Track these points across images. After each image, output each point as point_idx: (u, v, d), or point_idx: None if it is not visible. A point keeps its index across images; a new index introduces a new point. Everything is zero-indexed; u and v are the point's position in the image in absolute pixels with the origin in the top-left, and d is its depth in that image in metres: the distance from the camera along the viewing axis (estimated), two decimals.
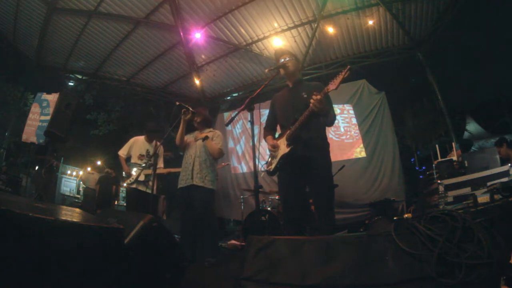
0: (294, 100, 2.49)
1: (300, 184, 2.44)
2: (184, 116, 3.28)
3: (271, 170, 2.53)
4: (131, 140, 4.27)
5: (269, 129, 2.73)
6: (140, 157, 4.10)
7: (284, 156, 2.39)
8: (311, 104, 2.18)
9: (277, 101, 2.73)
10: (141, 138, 4.27)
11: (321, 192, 2.33)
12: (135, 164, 4.07)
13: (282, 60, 2.59)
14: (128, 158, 4.17)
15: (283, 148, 2.41)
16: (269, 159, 2.61)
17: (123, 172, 4.17)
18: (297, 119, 2.32)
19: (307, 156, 2.31)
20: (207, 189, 3.19)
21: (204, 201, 3.15)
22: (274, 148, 2.49)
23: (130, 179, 3.98)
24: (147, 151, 4.15)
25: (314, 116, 2.26)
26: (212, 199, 3.33)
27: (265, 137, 2.70)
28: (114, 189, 8.72)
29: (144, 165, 4.00)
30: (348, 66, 2.15)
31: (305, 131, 2.33)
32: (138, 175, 3.89)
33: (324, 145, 2.43)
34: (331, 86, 2.15)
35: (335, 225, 2.41)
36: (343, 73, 2.10)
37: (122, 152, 4.17)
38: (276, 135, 2.71)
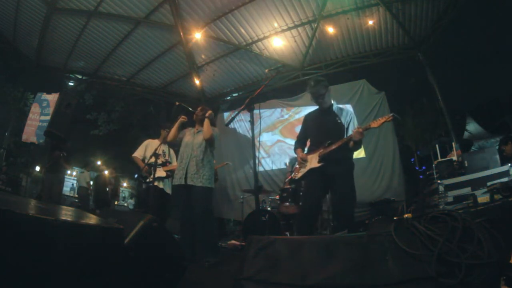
0: (328, 123, 2.82)
1: (323, 194, 2.84)
2: (183, 119, 3.40)
3: (296, 178, 2.89)
4: (145, 142, 4.34)
5: (300, 144, 3.05)
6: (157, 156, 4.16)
7: (312, 170, 2.73)
8: (353, 134, 2.53)
9: (310, 121, 3.05)
10: (155, 140, 4.36)
11: (345, 205, 2.64)
12: (152, 164, 4.10)
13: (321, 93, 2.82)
14: (143, 160, 4.22)
15: (314, 162, 2.74)
16: (296, 168, 2.95)
17: (143, 173, 4.20)
18: (333, 143, 2.65)
19: (335, 173, 2.64)
20: (205, 188, 3.17)
21: (202, 201, 3.13)
22: (303, 161, 2.85)
23: (150, 178, 4.03)
24: (163, 151, 4.20)
25: (348, 141, 2.61)
26: (210, 198, 3.30)
27: (295, 149, 3.07)
28: (111, 189, 8.72)
29: (161, 163, 4.08)
30: (393, 114, 2.51)
31: (338, 153, 2.64)
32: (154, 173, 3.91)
33: (351, 165, 2.77)
34: (373, 124, 2.52)
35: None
36: (387, 117, 2.47)
37: (138, 154, 4.24)
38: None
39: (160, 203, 4.02)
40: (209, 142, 3.31)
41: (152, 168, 4.04)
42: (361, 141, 2.64)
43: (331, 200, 2.84)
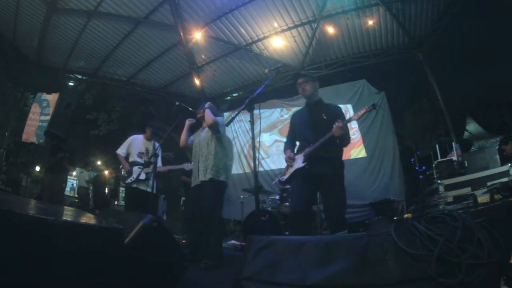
0: (314, 120, 2.67)
1: (311, 195, 2.71)
2: (189, 122, 3.37)
3: (283, 179, 2.79)
4: (129, 139, 4.24)
5: (289, 144, 2.91)
6: (140, 154, 4.09)
7: (297, 170, 2.61)
8: (333, 130, 2.37)
9: (296, 119, 2.91)
10: (140, 137, 4.26)
11: (335, 206, 2.51)
12: (135, 163, 4.05)
13: (300, 82, 2.75)
14: (126, 157, 4.14)
15: (299, 162, 2.62)
16: (285, 170, 2.83)
17: (123, 171, 4.15)
18: (317, 140, 2.51)
19: (323, 174, 2.49)
20: (214, 180, 3.07)
21: (210, 196, 3.03)
22: (290, 159, 2.72)
23: (131, 178, 3.97)
24: (147, 149, 4.15)
25: (333, 138, 2.45)
26: (220, 193, 3.15)
27: (284, 150, 2.90)
28: (110, 189, 8.73)
29: (143, 162, 4.01)
30: (373, 104, 2.42)
31: (323, 151, 2.51)
32: (139, 175, 3.88)
33: (340, 165, 2.63)
34: (354, 117, 2.41)
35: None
36: (367, 108, 2.38)
37: (121, 151, 4.14)
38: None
39: (144, 205, 3.91)
40: (214, 129, 3.20)
41: (133, 167, 3.98)
42: (346, 136, 2.48)
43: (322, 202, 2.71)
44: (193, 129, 3.53)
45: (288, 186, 4.88)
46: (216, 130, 3.22)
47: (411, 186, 7.68)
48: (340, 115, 2.60)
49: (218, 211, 3.11)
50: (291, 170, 2.69)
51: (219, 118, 3.28)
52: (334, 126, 2.35)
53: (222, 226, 3.53)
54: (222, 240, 3.33)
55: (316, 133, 2.56)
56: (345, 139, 2.50)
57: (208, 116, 3.20)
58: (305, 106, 2.84)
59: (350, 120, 2.41)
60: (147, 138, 4.20)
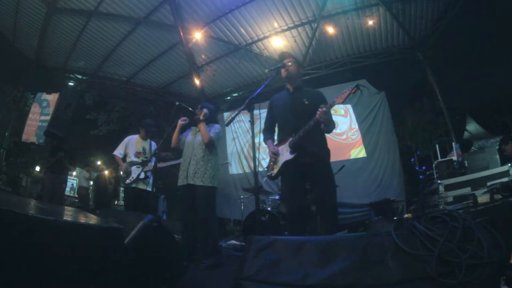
0: (295, 106, 2.55)
1: (303, 188, 2.55)
2: (182, 123, 3.36)
3: (273, 175, 2.63)
4: (125, 139, 4.28)
5: (268, 133, 2.79)
6: (137, 154, 4.14)
7: (286, 163, 2.47)
8: (317, 115, 2.24)
9: (276, 104, 2.76)
10: (136, 136, 4.31)
11: (326, 198, 2.43)
12: (132, 162, 4.09)
13: (287, 61, 2.63)
14: (123, 158, 4.18)
15: (286, 154, 2.48)
16: (271, 164, 2.68)
17: (121, 172, 4.18)
18: (301, 128, 2.38)
19: (310, 164, 2.40)
20: (207, 187, 3.13)
21: (203, 200, 3.09)
22: (275, 155, 2.58)
23: (130, 178, 3.99)
24: (143, 148, 4.18)
25: (317, 125, 2.34)
26: (213, 197, 3.23)
27: (265, 141, 2.78)
28: (111, 189, 8.74)
29: (141, 162, 4.05)
30: (357, 84, 2.26)
31: (308, 140, 2.39)
32: (139, 174, 3.90)
33: (326, 153, 2.53)
34: (338, 100, 2.25)
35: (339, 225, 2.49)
36: (350, 90, 2.21)
37: (118, 152, 4.18)
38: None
39: (143, 204, 3.95)
40: (209, 145, 3.24)
41: (132, 167, 4.04)
42: (331, 122, 2.39)
43: (311, 192, 2.57)
44: (189, 125, 3.52)
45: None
46: (211, 145, 3.28)
47: (411, 186, 7.68)
48: (322, 99, 2.50)
49: (212, 214, 3.19)
50: (278, 164, 2.57)
51: (214, 131, 3.27)
52: (318, 110, 2.23)
53: (217, 226, 3.55)
54: (219, 240, 3.37)
55: (297, 119, 2.45)
56: (330, 124, 2.41)
57: (205, 133, 3.21)
58: (285, 90, 2.71)
59: (334, 103, 2.28)
60: (142, 137, 4.26)
